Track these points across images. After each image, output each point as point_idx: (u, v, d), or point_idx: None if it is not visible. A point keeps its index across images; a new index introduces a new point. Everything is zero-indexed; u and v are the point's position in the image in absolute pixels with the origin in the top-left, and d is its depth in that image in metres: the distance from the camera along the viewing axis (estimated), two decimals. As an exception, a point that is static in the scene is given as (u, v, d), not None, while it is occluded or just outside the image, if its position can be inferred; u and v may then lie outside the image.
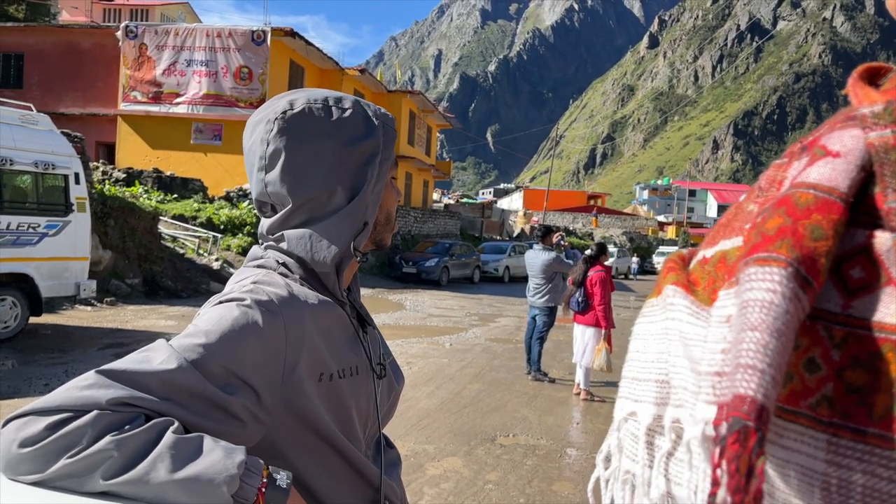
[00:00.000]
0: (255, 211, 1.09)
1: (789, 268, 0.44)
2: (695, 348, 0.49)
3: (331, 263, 1.02)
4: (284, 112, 1.02)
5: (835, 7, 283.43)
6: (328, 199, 1.02)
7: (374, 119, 1.06)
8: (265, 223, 1.07)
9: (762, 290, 0.45)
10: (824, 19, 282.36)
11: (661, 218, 73.92)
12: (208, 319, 0.89)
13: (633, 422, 0.57)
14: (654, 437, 0.55)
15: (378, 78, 29.35)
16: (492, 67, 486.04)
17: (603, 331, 7.19)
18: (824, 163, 0.49)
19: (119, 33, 22.24)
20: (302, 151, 1.01)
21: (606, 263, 7.54)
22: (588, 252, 7.54)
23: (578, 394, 7.44)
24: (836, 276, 0.46)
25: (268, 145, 1.02)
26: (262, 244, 1.08)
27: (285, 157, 1.01)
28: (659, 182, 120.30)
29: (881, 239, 0.44)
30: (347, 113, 1.04)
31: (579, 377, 7.49)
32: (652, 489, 0.54)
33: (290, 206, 1.02)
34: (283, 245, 1.03)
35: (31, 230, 8.49)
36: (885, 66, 0.50)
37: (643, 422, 0.56)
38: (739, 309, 0.45)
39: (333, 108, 1.03)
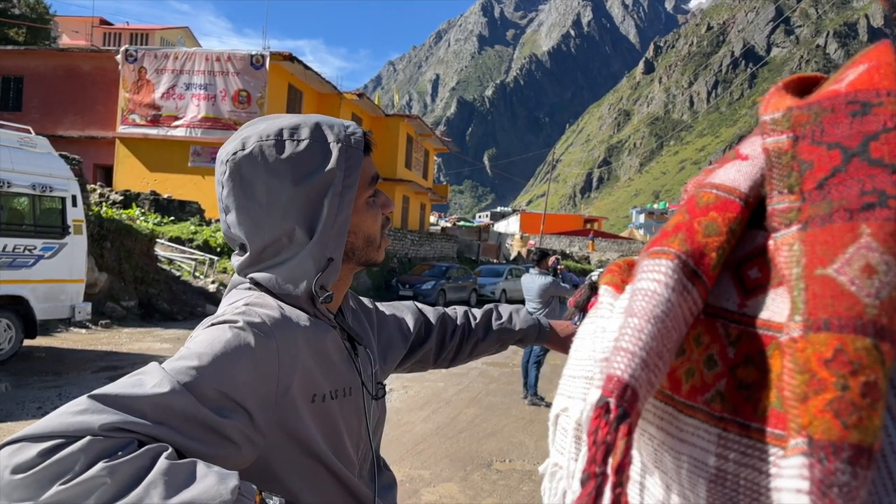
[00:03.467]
0: (228, 244, 1.07)
1: (676, 260, 0.46)
2: (605, 340, 0.51)
3: (304, 302, 1.02)
4: (235, 153, 1.00)
5: (828, 34, 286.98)
6: (289, 240, 1.00)
7: (333, 144, 1.01)
8: (236, 262, 1.06)
9: (648, 279, 0.47)
10: (818, 46, 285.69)
11: (657, 242, 73.88)
12: (201, 342, 0.89)
13: (564, 417, 0.59)
14: (581, 431, 0.57)
15: (376, 102, 29.56)
16: (489, 92, 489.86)
17: None
18: (732, 165, 0.51)
19: (119, 57, 22.41)
20: (253, 196, 0.99)
21: None
22: (593, 277, 7.54)
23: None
24: (736, 276, 0.48)
25: (222, 188, 1.01)
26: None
27: (238, 202, 1.00)
28: (655, 206, 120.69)
29: (772, 239, 0.45)
30: (303, 145, 0.99)
31: None
32: (574, 481, 0.56)
33: (250, 251, 1.02)
34: (258, 277, 1.03)
35: (27, 252, 8.48)
36: (821, 77, 0.51)
37: (573, 417, 0.58)
38: (629, 298, 0.48)
39: (287, 143, 0.99)
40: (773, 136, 0.46)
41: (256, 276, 1.03)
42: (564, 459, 0.59)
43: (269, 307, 0.97)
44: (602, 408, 0.44)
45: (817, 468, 0.37)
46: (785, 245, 0.43)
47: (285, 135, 1.00)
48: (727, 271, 0.48)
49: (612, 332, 0.49)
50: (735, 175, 0.49)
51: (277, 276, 1.01)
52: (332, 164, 1.00)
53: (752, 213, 0.49)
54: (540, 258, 8.32)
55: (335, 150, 1.01)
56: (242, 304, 0.98)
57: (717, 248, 0.47)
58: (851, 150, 0.41)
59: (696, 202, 0.49)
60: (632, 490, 0.52)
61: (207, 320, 0.96)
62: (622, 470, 0.42)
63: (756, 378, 0.44)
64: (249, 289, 1.04)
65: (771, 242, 0.45)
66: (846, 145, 0.42)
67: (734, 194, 0.48)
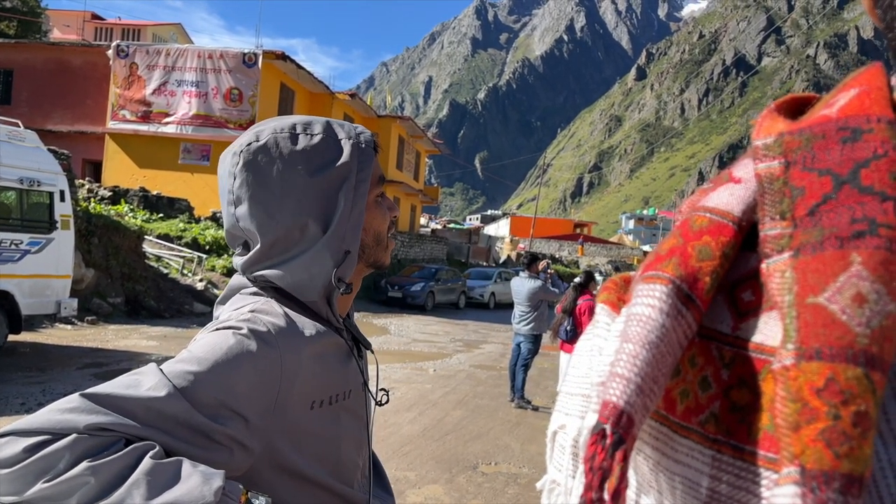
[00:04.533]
0: (228, 243, 1.05)
1: (671, 285, 0.47)
2: (601, 363, 0.51)
3: (318, 297, 1.00)
4: (250, 144, 1.00)
5: (818, 45, 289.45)
6: (301, 233, 0.99)
7: (345, 140, 1.02)
8: (239, 261, 1.04)
9: (643, 304, 0.47)
10: (808, 56, 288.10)
11: (646, 248, 74.28)
12: (203, 346, 0.88)
13: (562, 434, 0.60)
14: (578, 448, 0.57)
15: (368, 103, 29.53)
16: (481, 95, 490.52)
17: None
18: (725, 188, 0.51)
19: (110, 52, 22.27)
20: (268, 185, 0.98)
21: (595, 292, 7.58)
22: (577, 280, 7.56)
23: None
24: (730, 298, 0.48)
25: (234, 179, 0.99)
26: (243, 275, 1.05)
27: (252, 192, 0.98)
28: (645, 212, 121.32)
29: (764, 264, 0.45)
30: (316, 139, 1.00)
31: None
32: (572, 498, 0.55)
33: (261, 244, 0.99)
34: (268, 274, 1.00)
35: (13, 247, 8.41)
36: (814, 97, 0.51)
37: (570, 434, 0.58)
38: (625, 323, 0.48)
39: (301, 136, 1.00)
40: (766, 162, 0.46)
41: (266, 272, 1.00)
42: (562, 476, 0.59)
43: (274, 315, 0.95)
44: (598, 434, 0.44)
45: (809, 497, 0.37)
46: (777, 271, 0.43)
47: (298, 129, 1.01)
48: (721, 294, 0.49)
49: (608, 356, 0.49)
50: (728, 199, 0.49)
51: (290, 271, 0.99)
52: (345, 157, 1.01)
53: (746, 236, 0.49)
54: (530, 262, 8.34)
55: (347, 146, 1.02)
56: (248, 310, 0.96)
57: (710, 272, 0.47)
58: (842, 177, 0.42)
59: (690, 226, 0.50)
60: None
61: (211, 325, 0.95)
62: (618, 495, 0.43)
63: (749, 400, 0.45)
64: (255, 293, 1.01)
65: (763, 267, 0.45)
66: (837, 172, 0.42)
67: (727, 218, 0.48)
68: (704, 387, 0.47)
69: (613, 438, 0.43)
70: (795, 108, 0.50)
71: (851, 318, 0.38)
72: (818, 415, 0.38)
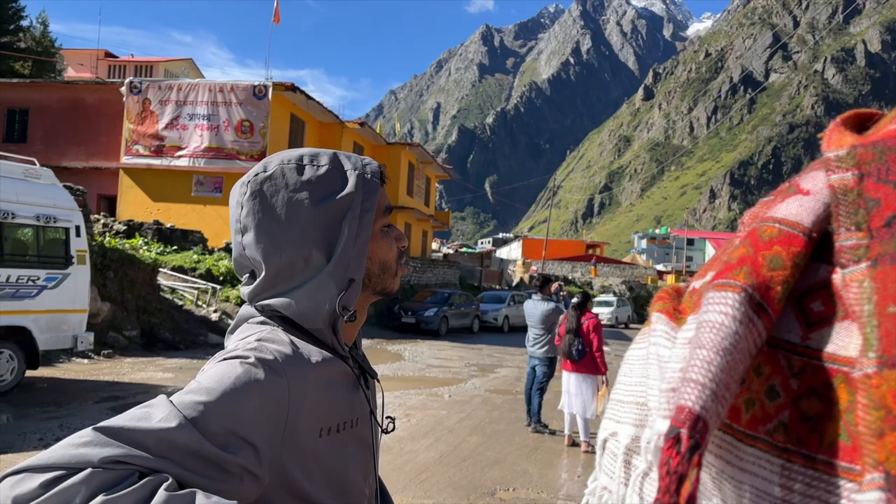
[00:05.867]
0: (236, 272, 1.06)
1: (743, 293, 0.47)
2: (667, 370, 0.51)
3: (323, 325, 1.01)
4: (257, 174, 1.03)
5: (826, 60, 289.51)
6: (305, 262, 1.01)
7: (351, 171, 1.05)
8: (246, 290, 1.06)
9: (715, 312, 0.48)
10: (816, 72, 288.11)
11: (659, 267, 73.91)
12: (211, 376, 0.89)
13: (613, 441, 0.60)
14: (631, 456, 0.58)
15: (377, 131, 29.78)
16: (489, 120, 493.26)
17: (601, 377, 7.18)
18: (794, 199, 0.51)
19: (123, 89, 22.67)
20: (274, 214, 1.00)
21: (593, 311, 7.60)
22: (575, 300, 7.56)
23: (572, 444, 7.37)
24: (799, 308, 0.49)
25: (242, 208, 1.02)
26: (250, 305, 1.07)
27: (258, 221, 1.01)
28: (657, 231, 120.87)
29: (839, 275, 0.46)
30: (322, 170, 1.03)
31: (569, 427, 7.45)
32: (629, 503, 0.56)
33: (265, 273, 1.01)
34: (274, 303, 1.02)
35: (30, 283, 8.50)
36: (876, 113, 0.52)
37: (622, 441, 0.59)
38: (696, 330, 0.48)
39: (307, 167, 1.03)
40: (839, 174, 0.46)
41: (272, 301, 1.02)
42: (614, 483, 0.60)
43: (281, 343, 0.96)
44: (673, 438, 0.44)
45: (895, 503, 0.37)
46: (854, 282, 0.43)
47: (305, 160, 1.04)
48: (789, 303, 0.49)
49: (675, 363, 0.50)
50: (798, 209, 0.50)
51: (295, 299, 1.01)
52: (350, 188, 1.03)
53: (815, 247, 0.49)
54: (542, 284, 8.32)
55: (352, 176, 1.04)
56: (254, 339, 0.97)
57: (782, 281, 0.47)
58: None
59: (760, 236, 0.50)
60: None
61: (219, 355, 0.96)
62: (693, 499, 0.43)
63: (821, 410, 0.44)
64: (261, 323, 1.03)
65: (838, 277, 0.45)
66: None
67: (798, 229, 0.49)
68: (772, 396, 0.47)
69: (690, 443, 0.44)
70: (859, 123, 0.50)
71: None
72: None
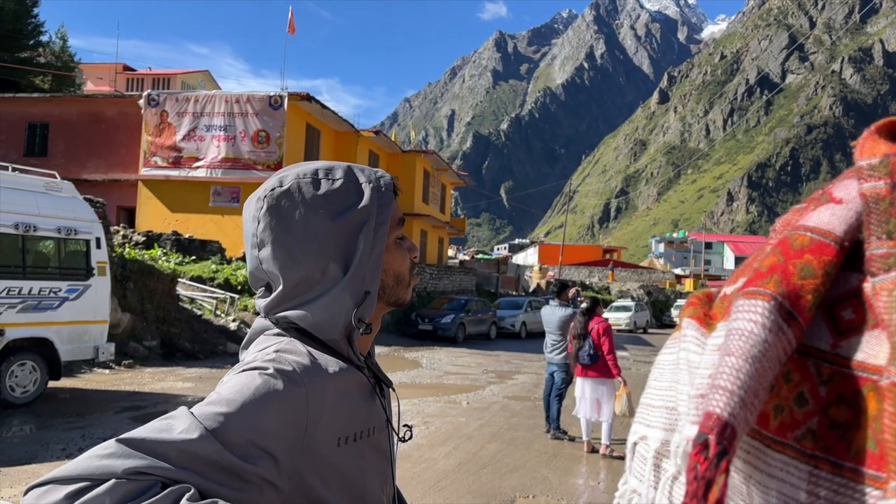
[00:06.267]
0: (251, 285, 1.07)
1: (773, 301, 0.47)
2: (697, 376, 0.52)
3: (339, 337, 1.02)
4: (273, 189, 1.03)
5: (843, 60, 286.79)
6: (322, 275, 1.02)
7: (366, 184, 1.06)
8: (262, 303, 1.06)
9: (745, 320, 0.48)
10: (833, 72, 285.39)
11: (678, 271, 73.42)
12: (230, 387, 0.90)
13: (643, 445, 0.61)
14: (661, 460, 0.58)
15: (392, 139, 29.89)
16: (504, 126, 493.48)
17: (616, 380, 7.15)
18: (826, 208, 0.51)
19: (141, 102, 22.96)
20: (290, 229, 1.01)
21: (603, 315, 7.58)
22: (584, 306, 7.55)
23: (591, 451, 7.32)
24: (829, 316, 0.49)
25: (258, 223, 1.03)
26: (266, 317, 1.08)
27: (275, 235, 1.02)
28: (675, 235, 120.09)
29: (870, 283, 0.46)
30: (337, 184, 1.04)
31: (586, 433, 7.41)
32: None
33: (282, 286, 1.02)
34: (290, 315, 1.03)
35: (52, 294, 8.61)
36: None
37: (652, 445, 0.59)
38: (725, 337, 0.49)
39: (323, 181, 1.04)
40: (871, 182, 0.46)
41: (289, 314, 1.03)
42: (644, 487, 0.60)
43: (299, 354, 0.97)
44: (702, 444, 0.45)
45: None
46: (884, 290, 0.43)
47: (321, 174, 1.05)
48: (820, 311, 0.49)
49: (704, 369, 0.50)
50: (829, 218, 0.50)
51: (312, 312, 1.02)
52: (365, 201, 1.04)
53: (846, 255, 0.49)
54: (560, 290, 8.30)
55: (367, 189, 1.05)
56: (273, 350, 0.98)
57: (812, 290, 0.47)
58: None
59: (791, 244, 0.50)
60: None
61: (238, 366, 0.97)
62: None
63: (850, 418, 0.45)
64: (279, 334, 1.04)
65: (868, 286, 0.45)
66: None
67: (829, 238, 0.49)
68: (801, 403, 0.47)
69: (718, 449, 0.44)
70: (894, 131, 0.50)
71: None
72: None
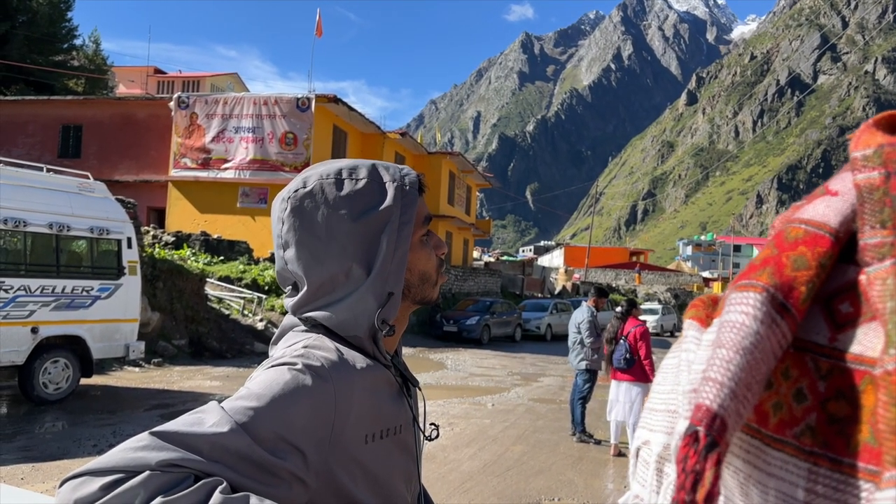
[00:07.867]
0: (279, 284, 1.08)
1: (765, 293, 0.47)
2: (692, 373, 0.51)
3: (364, 337, 1.02)
4: (297, 190, 1.04)
5: (876, 60, 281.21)
6: (346, 276, 1.02)
7: (389, 183, 1.05)
8: (289, 302, 1.07)
9: (737, 312, 0.47)
10: (866, 72, 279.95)
11: (705, 274, 72.54)
12: (260, 382, 0.91)
13: (646, 449, 0.60)
14: (663, 464, 0.57)
15: (419, 140, 29.98)
16: (530, 127, 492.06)
17: (650, 385, 7.06)
18: (822, 201, 0.51)
19: (172, 104, 23.29)
20: (314, 230, 1.01)
21: (640, 318, 7.46)
22: (619, 310, 7.45)
23: (618, 455, 7.25)
24: (826, 310, 0.48)
25: (283, 224, 1.04)
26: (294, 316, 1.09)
27: (299, 237, 1.02)
28: (703, 237, 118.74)
29: (865, 274, 0.45)
30: (361, 183, 1.03)
31: (615, 437, 7.35)
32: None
33: (307, 287, 1.03)
34: (316, 316, 1.04)
35: (84, 293, 8.77)
36: None
37: (654, 450, 0.59)
38: (717, 330, 0.48)
39: (346, 181, 1.03)
40: (865, 173, 0.46)
41: (314, 314, 1.03)
42: (646, 492, 0.60)
43: (327, 350, 0.98)
44: (691, 436, 0.44)
45: None
46: (878, 279, 0.43)
47: (344, 174, 1.04)
48: (817, 305, 0.48)
49: (698, 365, 0.50)
50: (824, 210, 0.50)
51: (336, 313, 1.02)
52: (388, 201, 1.04)
53: (843, 248, 0.49)
54: (598, 294, 8.22)
55: (391, 188, 1.05)
56: (301, 346, 0.99)
57: (806, 281, 0.47)
58: None
59: (785, 237, 0.50)
60: None
61: (267, 362, 0.98)
62: (710, 500, 0.43)
63: (848, 413, 0.44)
64: (306, 331, 1.05)
65: (863, 277, 0.45)
66: None
67: (824, 229, 0.48)
68: (799, 399, 0.47)
69: (707, 441, 0.44)
70: (893, 124, 0.50)
71: None
72: None
